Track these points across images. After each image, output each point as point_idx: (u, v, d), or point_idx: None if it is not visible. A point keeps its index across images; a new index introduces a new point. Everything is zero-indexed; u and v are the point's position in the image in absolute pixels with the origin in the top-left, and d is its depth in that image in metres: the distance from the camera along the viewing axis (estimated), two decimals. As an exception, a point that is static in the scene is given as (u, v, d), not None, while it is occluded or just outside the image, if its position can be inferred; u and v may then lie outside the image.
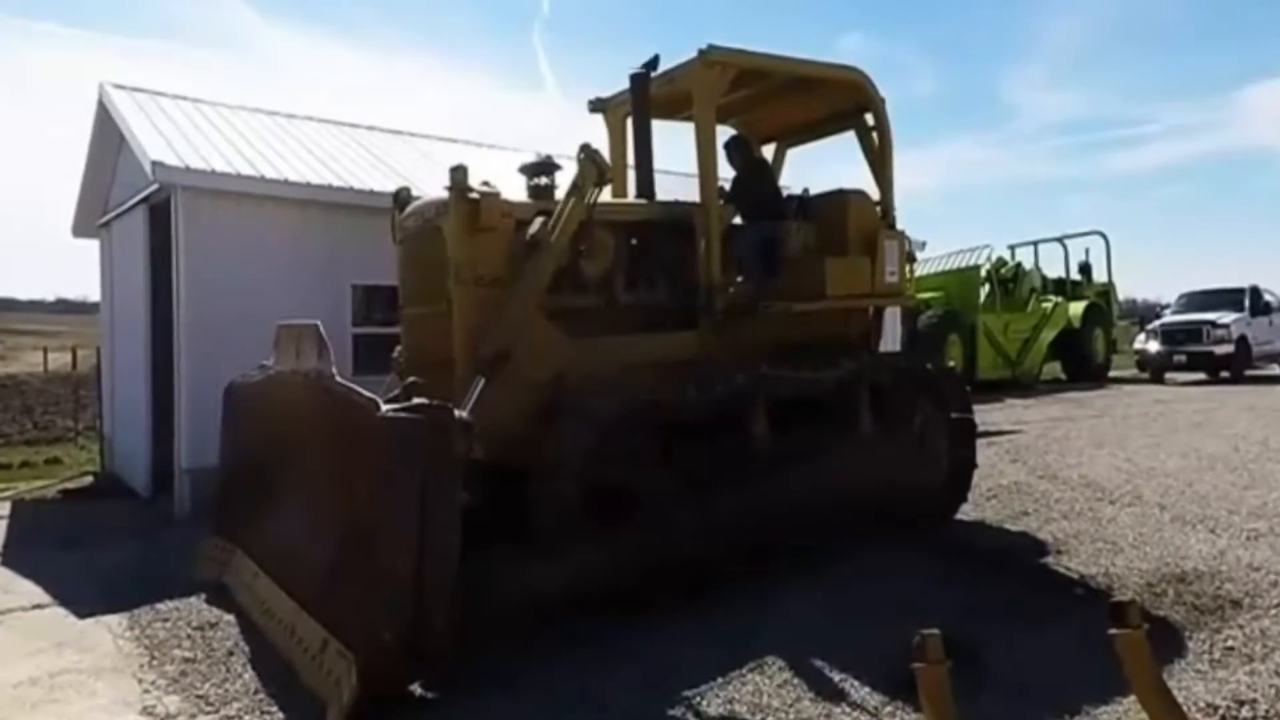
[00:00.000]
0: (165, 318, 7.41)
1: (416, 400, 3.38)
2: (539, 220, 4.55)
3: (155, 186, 7.15)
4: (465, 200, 4.42)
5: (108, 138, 8.66)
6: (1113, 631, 2.49)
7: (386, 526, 3.27)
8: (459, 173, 4.44)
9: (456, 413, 3.44)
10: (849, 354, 5.55)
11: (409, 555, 3.21)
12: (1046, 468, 7.22)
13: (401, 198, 5.08)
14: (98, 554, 5.89)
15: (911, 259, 6.73)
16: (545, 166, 5.05)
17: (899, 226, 6.08)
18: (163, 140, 7.16)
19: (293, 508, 4.38)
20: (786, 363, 5.10)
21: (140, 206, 7.99)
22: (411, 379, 3.57)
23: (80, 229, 10.36)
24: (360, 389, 3.59)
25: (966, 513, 5.85)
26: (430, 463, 3.27)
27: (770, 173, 6.08)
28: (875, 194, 6.09)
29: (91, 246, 10.40)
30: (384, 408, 3.32)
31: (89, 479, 9.61)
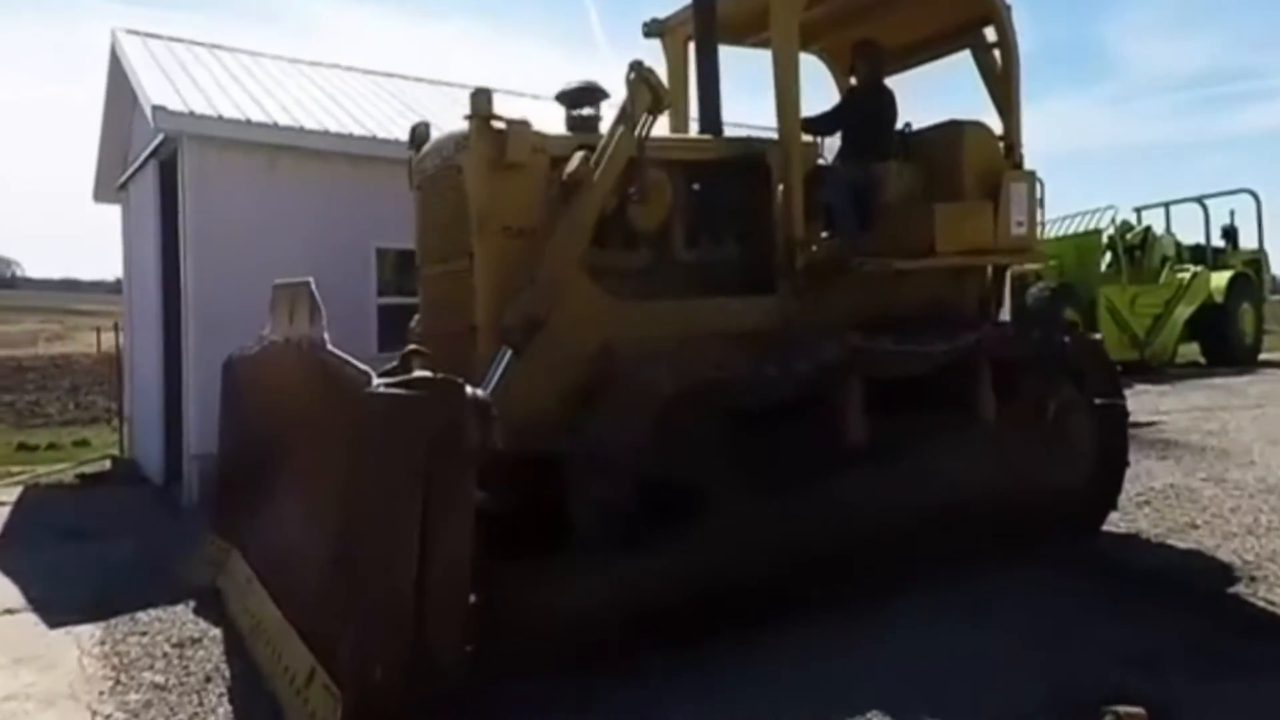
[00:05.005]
0: (177, 287, 7.14)
1: (418, 373, 2.86)
2: (579, 155, 3.95)
3: (161, 138, 6.85)
4: (489, 131, 3.88)
5: (121, 90, 8.44)
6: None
7: (379, 535, 2.75)
8: (481, 97, 3.88)
9: (470, 389, 2.89)
10: (965, 323, 4.81)
11: (406, 572, 2.70)
12: (1209, 468, 6.31)
13: (419, 134, 4.54)
14: (95, 548, 5.67)
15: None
16: (589, 93, 4.44)
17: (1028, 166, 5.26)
18: (169, 85, 6.84)
19: (290, 504, 3.96)
20: (887, 333, 4.40)
21: (150, 164, 7.75)
22: (412, 346, 3.04)
23: (101, 194, 10.29)
24: (356, 361, 3.07)
25: (1115, 523, 5.05)
26: (435, 453, 2.74)
27: (891, 102, 5.29)
28: (996, 127, 5.30)
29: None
30: (375, 381, 2.80)
31: (108, 463, 9.58)
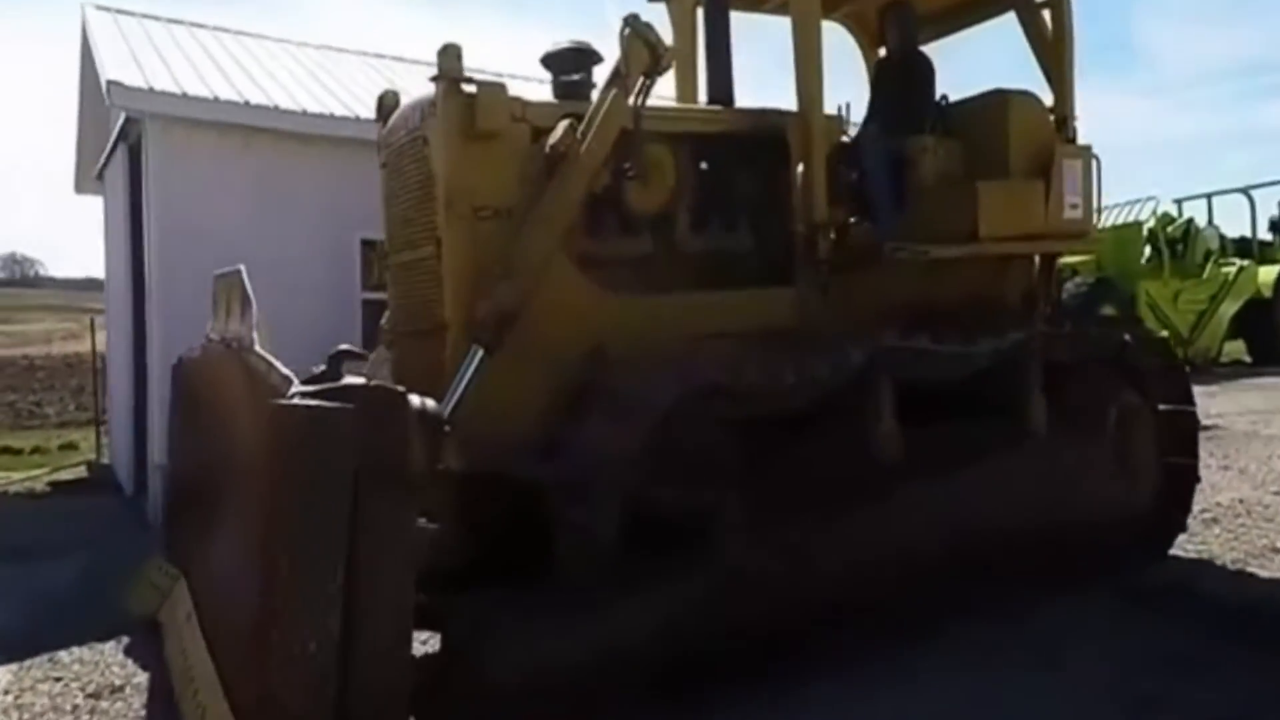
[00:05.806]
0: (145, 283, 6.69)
1: (348, 380, 2.34)
2: (564, 125, 3.42)
3: (124, 119, 6.40)
4: (458, 94, 3.35)
5: (92, 70, 8.00)
6: None
7: (294, 576, 2.24)
8: (449, 54, 3.35)
9: (416, 400, 2.37)
10: (1012, 320, 4.25)
11: (326, 623, 2.18)
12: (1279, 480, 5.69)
13: (387, 103, 4.02)
14: (40, 569, 5.22)
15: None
16: (580, 56, 3.89)
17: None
18: (132, 61, 6.38)
19: (225, 531, 3.46)
20: (923, 332, 3.86)
21: (120, 148, 7.31)
22: (344, 346, 2.53)
23: (82, 184, 9.91)
24: (278, 364, 2.56)
25: (1182, 545, 4.48)
26: (366, 479, 2.22)
27: (929, 70, 4.74)
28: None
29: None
30: (293, 389, 2.28)
31: (84, 470, 9.20)
